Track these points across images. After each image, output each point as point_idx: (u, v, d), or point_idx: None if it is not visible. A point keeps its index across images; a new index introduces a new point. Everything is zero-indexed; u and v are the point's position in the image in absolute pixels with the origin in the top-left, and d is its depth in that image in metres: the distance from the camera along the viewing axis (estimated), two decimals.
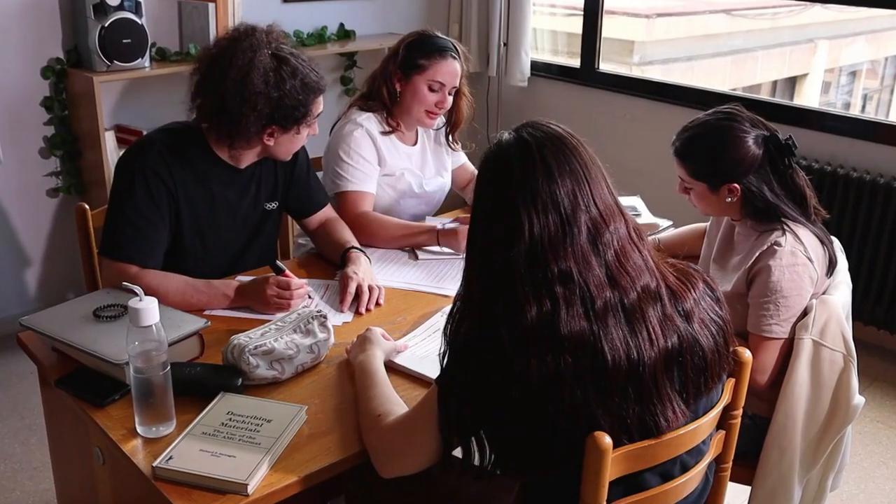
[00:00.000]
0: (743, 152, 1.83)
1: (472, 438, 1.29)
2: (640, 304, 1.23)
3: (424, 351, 1.74)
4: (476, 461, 1.31)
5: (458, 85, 2.41)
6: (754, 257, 1.83)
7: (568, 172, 1.24)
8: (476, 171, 2.73)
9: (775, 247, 1.80)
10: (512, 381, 1.20)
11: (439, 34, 2.42)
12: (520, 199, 1.22)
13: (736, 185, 1.85)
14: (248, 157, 2.03)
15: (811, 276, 1.81)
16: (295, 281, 1.89)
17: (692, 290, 1.30)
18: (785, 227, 1.83)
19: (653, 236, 2.34)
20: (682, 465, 1.35)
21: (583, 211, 1.23)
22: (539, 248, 1.21)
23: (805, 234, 1.84)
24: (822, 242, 1.87)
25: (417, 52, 2.36)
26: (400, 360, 1.68)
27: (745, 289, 1.85)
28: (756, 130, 1.85)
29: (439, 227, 2.30)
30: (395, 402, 1.47)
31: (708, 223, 2.16)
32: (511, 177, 1.24)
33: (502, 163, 1.26)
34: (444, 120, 2.55)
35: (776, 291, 1.79)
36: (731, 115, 1.87)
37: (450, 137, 2.59)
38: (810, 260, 1.81)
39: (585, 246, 1.22)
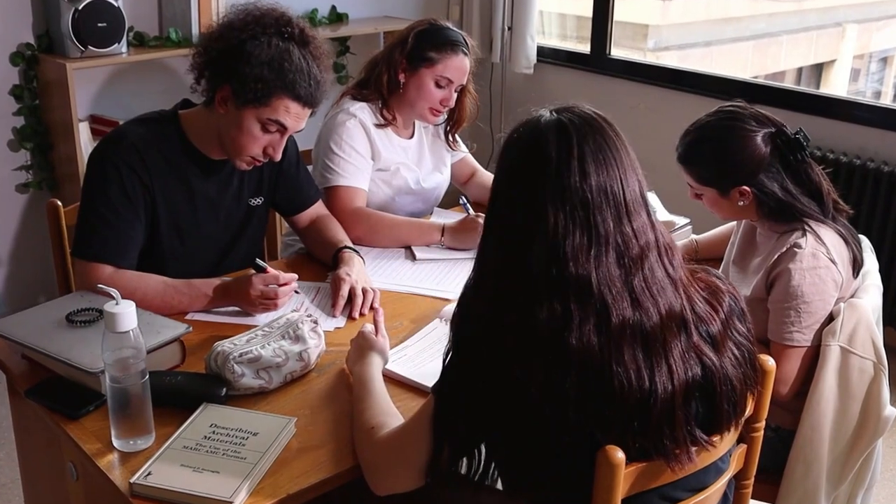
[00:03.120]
0: (749, 153, 1.83)
1: (471, 451, 1.29)
2: (661, 328, 1.22)
3: (423, 358, 1.73)
4: (475, 476, 1.31)
5: (464, 82, 2.41)
6: (773, 259, 1.83)
7: (605, 175, 1.22)
8: (477, 167, 2.75)
9: (795, 249, 1.80)
10: (511, 389, 1.20)
11: (451, 26, 2.41)
12: (549, 196, 1.21)
13: (746, 187, 1.85)
14: (213, 140, 1.97)
15: (835, 280, 1.81)
16: (282, 276, 1.88)
17: (720, 310, 1.29)
18: (806, 227, 1.83)
19: (681, 234, 2.34)
20: (701, 482, 1.34)
21: (613, 219, 1.21)
22: (561, 250, 1.20)
23: (828, 234, 1.84)
24: (846, 242, 1.87)
25: (428, 43, 2.35)
26: (397, 368, 1.68)
27: (765, 293, 1.85)
28: (762, 128, 1.85)
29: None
30: (391, 413, 1.47)
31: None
32: (548, 166, 1.22)
33: (539, 150, 1.24)
34: (445, 116, 2.54)
35: (797, 296, 1.78)
36: (734, 114, 1.87)
37: (450, 137, 2.59)
38: (833, 262, 1.81)
39: (612, 259, 1.21)
